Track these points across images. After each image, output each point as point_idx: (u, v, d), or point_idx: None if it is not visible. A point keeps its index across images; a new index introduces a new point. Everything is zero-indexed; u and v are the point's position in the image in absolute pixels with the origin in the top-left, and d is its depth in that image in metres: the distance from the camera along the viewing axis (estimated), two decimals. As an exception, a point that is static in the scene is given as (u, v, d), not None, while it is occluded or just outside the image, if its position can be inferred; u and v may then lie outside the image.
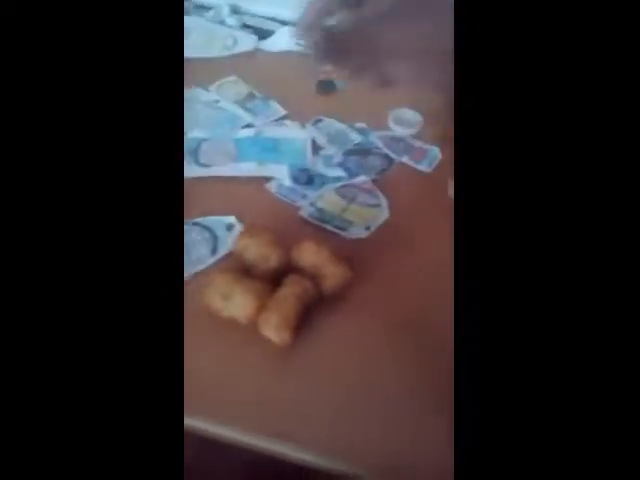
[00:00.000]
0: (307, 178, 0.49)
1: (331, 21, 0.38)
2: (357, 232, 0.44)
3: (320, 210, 0.46)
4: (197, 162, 0.49)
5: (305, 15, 0.38)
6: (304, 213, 0.45)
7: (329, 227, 0.44)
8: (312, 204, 0.46)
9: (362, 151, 0.52)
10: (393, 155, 0.52)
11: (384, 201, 0.47)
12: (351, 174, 0.50)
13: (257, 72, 0.62)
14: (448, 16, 0.27)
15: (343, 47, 0.37)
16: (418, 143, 0.54)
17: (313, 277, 0.38)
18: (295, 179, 0.48)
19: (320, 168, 0.50)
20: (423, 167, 0.51)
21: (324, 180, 0.49)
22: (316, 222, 0.45)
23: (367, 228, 0.45)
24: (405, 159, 0.52)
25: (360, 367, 0.36)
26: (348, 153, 0.52)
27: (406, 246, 0.44)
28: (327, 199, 0.47)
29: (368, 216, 0.46)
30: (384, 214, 0.46)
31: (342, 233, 0.44)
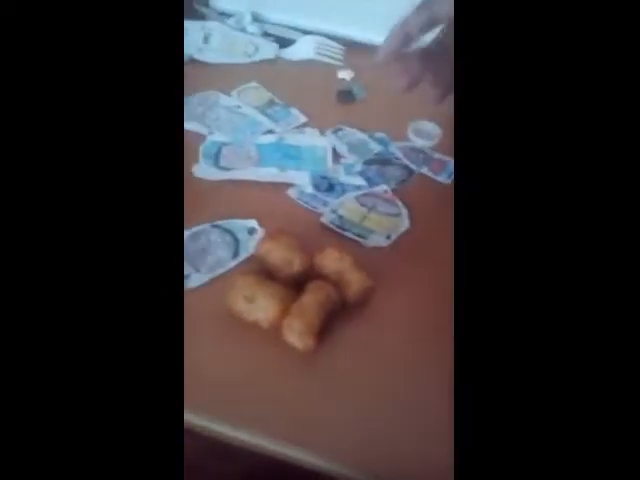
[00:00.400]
0: (328, 185, 0.49)
1: (420, 43, 0.41)
2: (377, 240, 0.44)
3: (340, 217, 0.46)
4: (217, 165, 0.49)
5: (391, 41, 0.40)
6: (325, 220, 0.45)
7: (349, 235, 0.45)
8: (333, 211, 0.46)
9: (382, 161, 0.53)
10: (412, 166, 0.52)
11: (404, 211, 0.47)
12: (371, 183, 0.50)
13: (277, 79, 0.62)
14: None
15: (435, 67, 0.39)
16: (437, 155, 0.54)
17: (335, 284, 0.38)
18: (316, 186, 0.48)
19: (341, 176, 0.50)
20: (442, 178, 0.52)
21: (344, 188, 0.49)
22: (336, 229, 0.45)
23: (388, 237, 0.45)
24: (424, 170, 0.52)
25: (380, 375, 0.36)
26: (368, 162, 0.52)
27: (426, 255, 0.44)
28: (347, 206, 0.47)
29: (388, 225, 0.46)
30: (405, 223, 0.46)
31: (362, 241, 0.44)
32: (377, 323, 0.39)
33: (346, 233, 0.45)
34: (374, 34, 0.67)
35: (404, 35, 0.40)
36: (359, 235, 0.44)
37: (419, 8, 0.40)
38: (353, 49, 0.66)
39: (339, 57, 0.65)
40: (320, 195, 0.48)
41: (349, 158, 0.52)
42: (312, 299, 0.36)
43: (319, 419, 0.33)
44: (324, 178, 0.49)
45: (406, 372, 0.36)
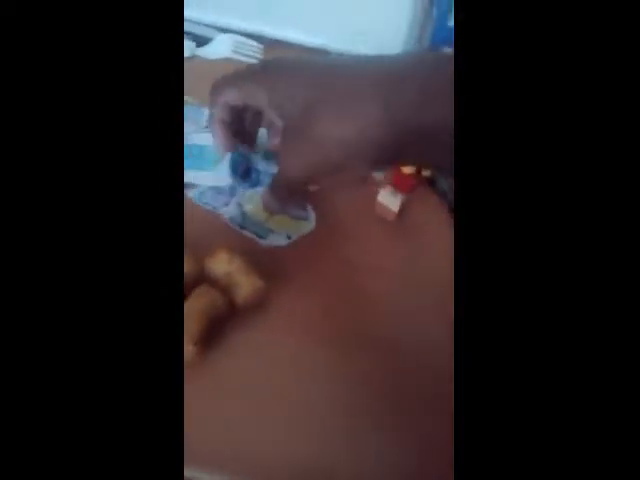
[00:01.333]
0: (245, 169, 0.47)
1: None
2: (276, 240, 0.43)
3: (243, 214, 0.44)
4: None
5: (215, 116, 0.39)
6: (227, 216, 0.44)
7: (247, 233, 0.43)
8: (239, 205, 0.45)
9: None
10: None
11: (312, 214, 0.46)
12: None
13: (193, 79, 0.60)
14: None
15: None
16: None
17: (225, 287, 0.36)
18: (233, 168, 0.44)
19: (258, 163, 0.48)
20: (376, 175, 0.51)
21: (260, 177, 0.47)
22: (235, 226, 0.43)
23: (288, 237, 0.43)
24: None
25: (273, 378, 0.35)
26: None
27: (328, 257, 0.43)
28: (255, 203, 0.45)
29: (291, 227, 0.44)
30: (309, 226, 0.45)
31: (260, 240, 0.43)
32: (272, 325, 0.37)
33: (244, 231, 0.43)
34: (292, 32, 0.66)
35: (222, 124, 0.39)
36: (257, 234, 0.43)
37: (211, 101, 0.38)
38: (271, 47, 0.65)
39: (257, 56, 0.64)
40: (226, 189, 0.46)
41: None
42: (192, 305, 0.34)
43: (204, 428, 0.32)
44: (242, 159, 0.46)
45: (306, 375, 0.35)
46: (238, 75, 0.36)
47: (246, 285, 0.37)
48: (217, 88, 0.37)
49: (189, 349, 0.33)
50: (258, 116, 0.40)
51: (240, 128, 0.40)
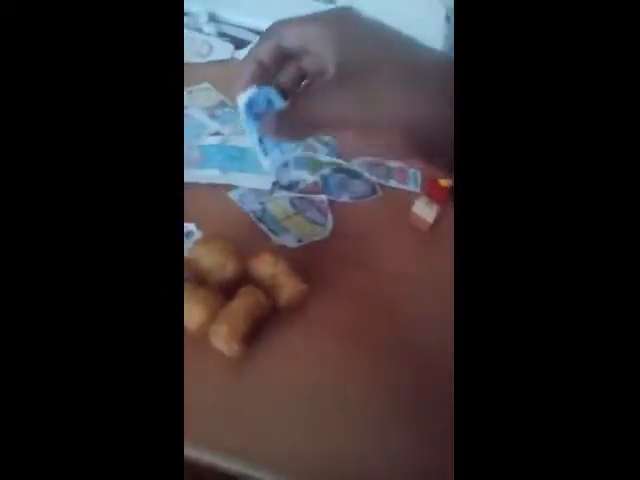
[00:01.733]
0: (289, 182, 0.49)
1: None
2: (288, 240, 0.44)
3: (264, 210, 0.46)
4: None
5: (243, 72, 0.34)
6: (247, 207, 0.46)
7: (263, 227, 0.45)
8: (261, 203, 0.46)
9: (350, 173, 0.53)
10: (381, 181, 0.52)
11: (330, 224, 0.47)
12: (330, 191, 0.50)
13: (231, 81, 0.61)
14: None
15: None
16: (393, 164, 0.54)
17: (269, 288, 0.38)
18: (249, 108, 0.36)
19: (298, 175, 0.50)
20: (411, 187, 0.52)
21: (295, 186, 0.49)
22: (254, 218, 0.45)
23: (299, 240, 0.45)
24: (392, 183, 0.52)
25: (313, 377, 0.36)
26: (337, 171, 0.52)
27: (356, 261, 0.44)
28: (277, 203, 0.47)
29: (306, 231, 0.46)
30: (324, 233, 0.46)
31: (273, 237, 0.44)
32: (307, 328, 0.39)
33: (260, 225, 0.45)
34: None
35: (256, 65, 0.33)
36: (272, 230, 0.45)
37: (262, 37, 0.33)
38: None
39: (294, 59, 0.65)
40: (266, 191, 0.48)
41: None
42: (240, 304, 0.35)
43: (245, 423, 0.33)
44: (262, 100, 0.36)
45: (338, 373, 0.36)
46: (301, 18, 0.32)
47: (289, 287, 0.38)
48: (273, 26, 0.33)
49: (235, 346, 0.34)
50: (299, 73, 0.35)
51: (272, 81, 0.35)
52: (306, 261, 0.42)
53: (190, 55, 0.64)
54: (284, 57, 0.33)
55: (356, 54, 0.30)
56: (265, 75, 0.34)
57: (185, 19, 0.68)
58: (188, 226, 0.43)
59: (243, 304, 0.35)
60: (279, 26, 0.33)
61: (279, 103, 0.34)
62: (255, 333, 0.36)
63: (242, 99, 0.34)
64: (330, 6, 0.71)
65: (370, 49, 0.30)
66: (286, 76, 0.35)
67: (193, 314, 0.35)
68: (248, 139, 0.33)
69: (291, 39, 0.32)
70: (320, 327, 0.39)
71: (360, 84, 0.29)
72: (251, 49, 0.34)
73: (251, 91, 0.34)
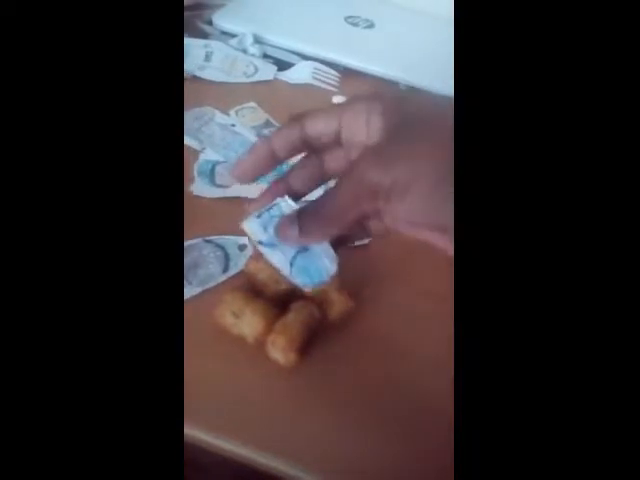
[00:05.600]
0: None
1: None
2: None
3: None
4: (213, 183, 0.51)
5: (252, 156, 0.34)
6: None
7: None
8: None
9: None
10: None
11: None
12: None
13: (274, 101, 0.65)
14: None
15: None
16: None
17: (319, 303, 0.40)
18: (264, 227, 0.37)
19: None
20: None
21: None
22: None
23: None
24: None
25: (360, 388, 0.38)
26: None
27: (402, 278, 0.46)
28: None
29: None
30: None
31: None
32: (350, 342, 0.41)
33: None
34: (368, 63, 0.70)
35: (268, 153, 0.32)
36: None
37: (289, 122, 0.32)
38: (348, 76, 0.69)
39: (334, 83, 0.68)
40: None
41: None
42: (296, 317, 0.38)
43: (299, 431, 0.35)
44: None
45: (384, 386, 0.38)
46: (331, 106, 0.33)
47: (339, 303, 0.40)
48: (299, 115, 0.32)
49: (292, 356, 0.37)
50: (319, 165, 0.34)
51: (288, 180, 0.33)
52: (352, 279, 0.44)
53: (236, 75, 0.67)
54: (298, 150, 0.33)
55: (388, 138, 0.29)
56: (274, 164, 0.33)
57: (231, 41, 0.71)
58: (242, 239, 0.46)
59: (299, 316, 0.38)
60: (305, 114, 0.32)
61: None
62: (308, 345, 0.39)
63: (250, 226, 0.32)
64: (355, 28, 0.72)
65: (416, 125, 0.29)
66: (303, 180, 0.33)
67: (252, 323, 0.37)
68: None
69: (323, 125, 0.32)
70: (362, 341, 0.41)
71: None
72: (259, 139, 0.35)
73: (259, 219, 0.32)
